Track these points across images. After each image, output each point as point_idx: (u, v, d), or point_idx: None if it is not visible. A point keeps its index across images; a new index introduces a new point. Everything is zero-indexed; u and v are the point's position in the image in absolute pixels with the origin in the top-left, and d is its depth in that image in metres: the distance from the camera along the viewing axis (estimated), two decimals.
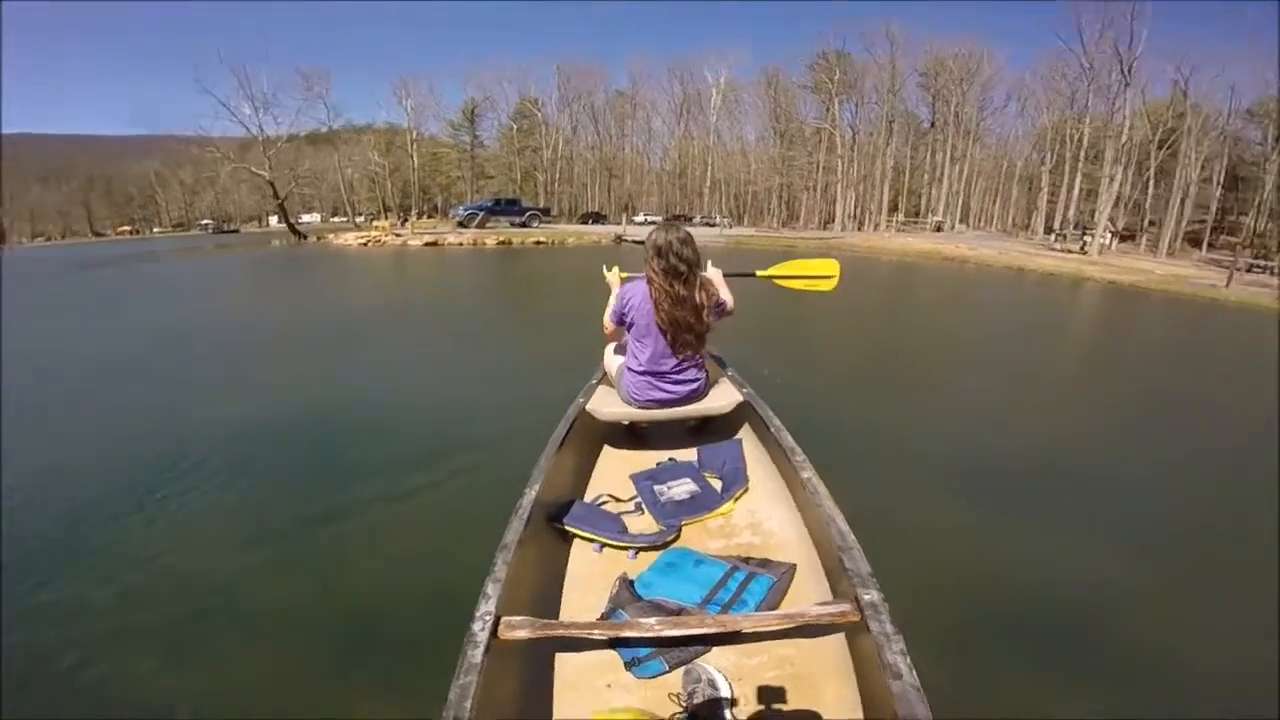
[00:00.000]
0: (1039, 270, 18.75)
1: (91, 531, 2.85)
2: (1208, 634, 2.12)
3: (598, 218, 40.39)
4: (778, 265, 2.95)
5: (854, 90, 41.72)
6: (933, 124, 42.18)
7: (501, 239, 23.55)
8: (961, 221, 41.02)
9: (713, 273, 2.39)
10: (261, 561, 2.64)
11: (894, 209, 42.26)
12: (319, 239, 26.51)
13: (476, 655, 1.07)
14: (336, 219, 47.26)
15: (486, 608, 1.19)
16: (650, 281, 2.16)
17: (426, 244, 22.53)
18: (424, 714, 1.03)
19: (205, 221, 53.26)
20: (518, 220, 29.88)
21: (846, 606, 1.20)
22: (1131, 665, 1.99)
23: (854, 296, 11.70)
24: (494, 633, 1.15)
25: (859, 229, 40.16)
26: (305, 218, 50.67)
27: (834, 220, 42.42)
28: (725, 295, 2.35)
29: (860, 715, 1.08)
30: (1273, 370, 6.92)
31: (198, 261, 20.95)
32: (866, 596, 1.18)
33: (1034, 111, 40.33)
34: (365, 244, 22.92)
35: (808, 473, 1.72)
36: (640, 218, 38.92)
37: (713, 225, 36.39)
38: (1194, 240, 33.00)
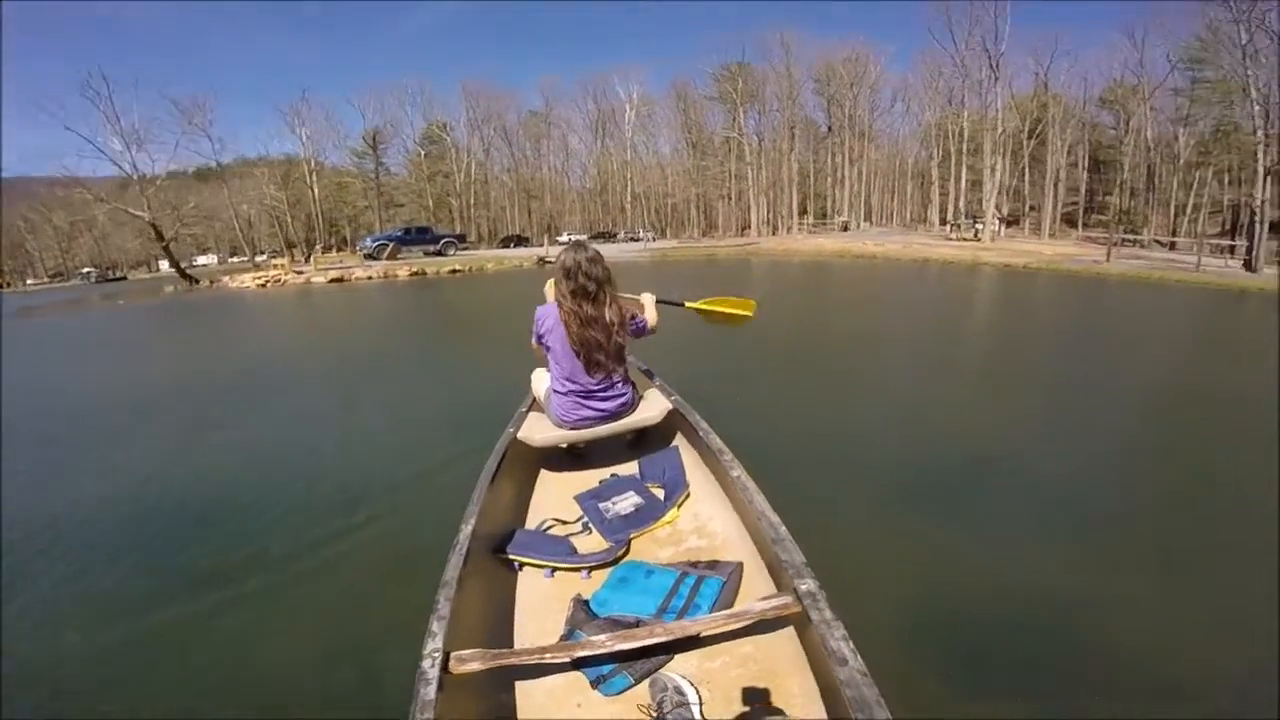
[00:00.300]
0: (940, 260, 20.13)
1: None
2: (1125, 613, 2.16)
3: (519, 240, 39.83)
4: (706, 300, 3.05)
5: (756, 99, 43.82)
6: (830, 128, 44.73)
7: (415, 270, 22.47)
8: (866, 219, 43.71)
9: (646, 299, 2.51)
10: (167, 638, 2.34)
11: (803, 212, 44.44)
12: (212, 282, 24.41)
13: (429, 692, 1.05)
14: (235, 259, 44.26)
15: (434, 645, 1.18)
16: (560, 304, 2.17)
17: (331, 280, 21.07)
18: None
19: (87, 269, 48.42)
20: (432, 249, 28.59)
21: (787, 599, 1.22)
22: (1065, 644, 1.99)
23: (775, 300, 11.86)
24: (445, 668, 1.13)
25: (773, 233, 41.90)
26: (200, 259, 47.46)
27: (749, 226, 43.97)
28: (648, 314, 2.44)
29: (820, 703, 1.10)
30: (1161, 334, 7.61)
31: (77, 315, 18.56)
32: (803, 586, 1.20)
33: (918, 110, 43.74)
34: (264, 285, 21.15)
35: (737, 471, 1.77)
36: (564, 237, 38.85)
37: (637, 240, 36.83)
38: (1070, 221, 36.40)
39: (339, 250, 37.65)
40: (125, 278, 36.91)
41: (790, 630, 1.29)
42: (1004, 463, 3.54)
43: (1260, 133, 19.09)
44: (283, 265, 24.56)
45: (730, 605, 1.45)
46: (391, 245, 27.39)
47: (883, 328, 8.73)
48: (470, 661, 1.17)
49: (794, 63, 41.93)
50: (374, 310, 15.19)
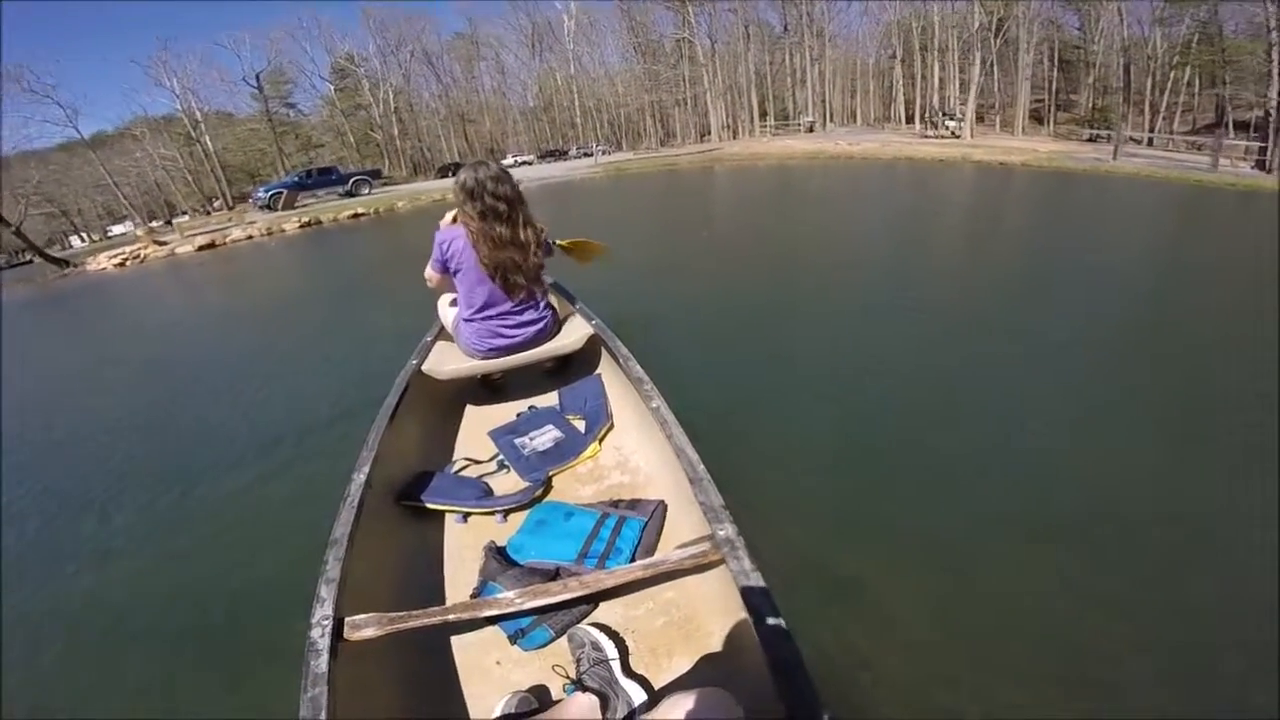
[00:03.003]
0: (928, 158, 18.23)
1: None
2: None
3: (457, 168, 36.04)
4: (569, 240, 2.61)
5: (705, 0, 40.52)
6: (786, 28, 42.49)
7: (306, 220, 18.91)
8: (830, 120, 42.11)
9: None
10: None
11: (764, 115, 42.39)
12: (73, 266, 20.45)
13: (321, 664, 0.96)
14: (155, 222, 40.13)
15: (323, 611, 1.07)
16: (467, 227, 1.95)
17: (200, 248, 17.67)
18: None
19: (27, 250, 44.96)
20: (342, 190, 25.22)
21: (705, 546, 1.12)
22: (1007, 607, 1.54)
23: (750, 209, 10.52)
24: (339, 636, 1.04)
25: (734, 137, 40.70)
26: (116, 229, 43.28)
27: (709, 132, 41.72)
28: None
29: (741, 652, 1.03)
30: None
31: None
32: (721, 532, 1.10)
33: (877, 10, 42.07)
34: (122, 263, 17.72)
35: (657, 402, 1.59)
36: (510, 159, 36.44)
37: (590, 155, 34.29)
38: (1037, 118, 35.98)
39: (232, 207, 33.31)
40: (30, 262, 32.08)
41: (711, 575, 1.18)
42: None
43: (1275, 33, 18.39)
44: (140, 237, 20.58)
45: (653, 548, 1.37)
46: (286, 193, 23.82)
47: (892, 239, 6.80)
48: (366, 628, 1.07)
49: None
50: (246, 280, 12.32)
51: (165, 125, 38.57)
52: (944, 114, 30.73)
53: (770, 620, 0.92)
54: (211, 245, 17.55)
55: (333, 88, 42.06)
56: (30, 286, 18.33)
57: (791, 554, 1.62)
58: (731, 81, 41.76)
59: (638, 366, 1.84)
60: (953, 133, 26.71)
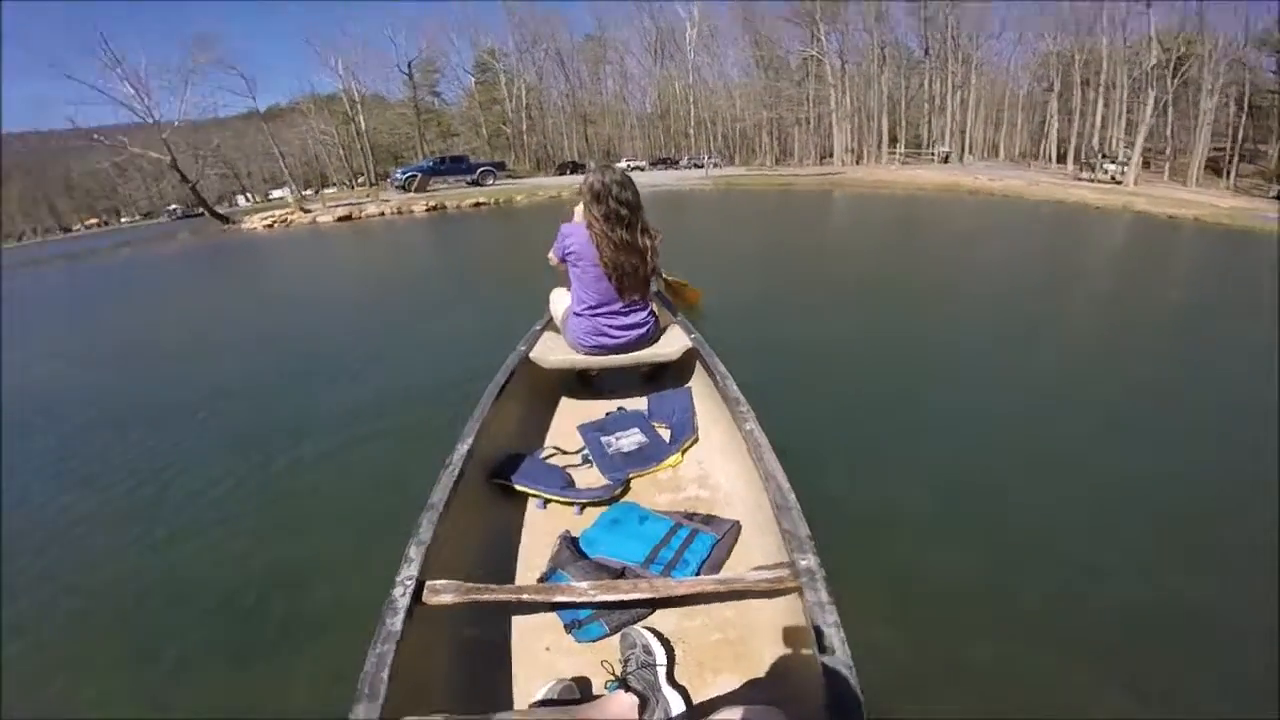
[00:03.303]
0: (1082, 203, 15.78)
1: None
2: None
3: (575, 167, 37.97)
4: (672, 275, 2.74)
5: (838, 20, 39.10)
6: (926, 51, 39.96)
7: (433, 204, 20.17)
8: (968, 152, 39.25)
9: None
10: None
11: (893, 141, 40.11)
12: (233, 223, 23.33)
13: (396, 623, 1.00)
14: (308, 191, 45.02)
15: (409, 572, 1.12)
16: (590, 227, 2.05)
17: (339, 219, 19.38)
18: (345, 686, 0.92)
19: (173, 206, 51.51)
20: (469, 179, 26.79)
21: (783, 573, 1.12)
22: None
23: (871, 241, 9.62)
24: (417, 598, 1.08)
25: (857, 163, 38.87)
26: (275, 193, 48.50)
27: (830, 155, 40.09)
28: None
29: (796, 681, 1.02)
30: None
31: (100, 261, 18.02)
32: (803, 562, 1.08)
33: (1032, 38, 38.31)
34: (270, 225, 20.01)
35: (751, 425, 1.57)
36: (623, 163, 37.17)
37: (700, 167, 34.10)
38: (1214, 169, 31.70)
39: (374, 185, 36.34)
40: (201, 215, 36.64)
41: (778, 602, 1.17)
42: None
43: None
44: (290, 204, 23.09)
45: (719, 565, 1.36)
46: (420, 177, 25.71)
47: (1031, 287, 5.88)
48: (444, 594, 1.12)
49: None
50: (375, 250, 13.53)
51: (327, 104, 42.60)
52: (1104, 156, 27.52)
53: (838, 657, 0.89)
54: (348, 218, 19.27)
55: (474, 80, 44.96)
56: (196, 237, 21.07)
57: (866, 598, 1.54)
58: (860, 104, 39.99)
59: (734, 386, 1.82)
60: (1113, 177, 23.94)
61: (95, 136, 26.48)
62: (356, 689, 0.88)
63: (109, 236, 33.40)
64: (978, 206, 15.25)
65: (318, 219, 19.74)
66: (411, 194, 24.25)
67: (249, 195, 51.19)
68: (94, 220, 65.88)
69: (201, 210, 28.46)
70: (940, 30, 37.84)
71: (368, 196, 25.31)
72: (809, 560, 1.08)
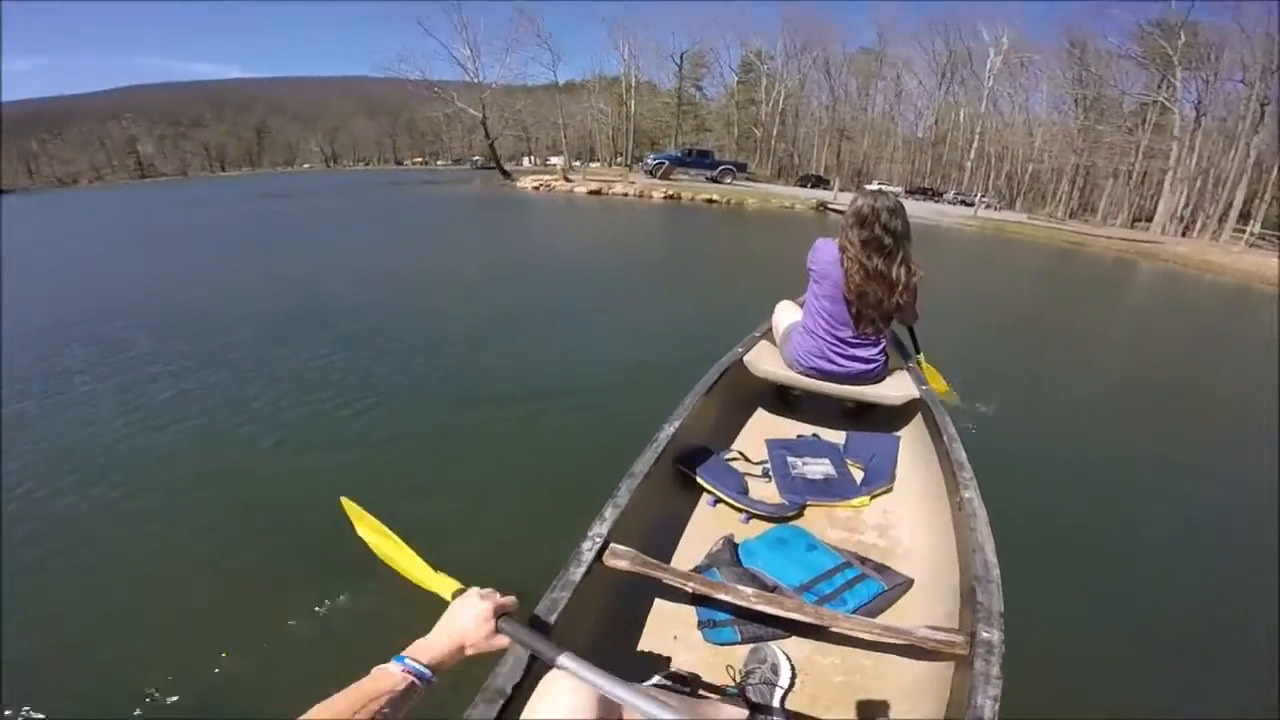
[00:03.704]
0: None
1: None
2: None
3: (819, 181, 36.44)
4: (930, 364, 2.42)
5: (1204, 65, 30.83)
6: None
7: (670, 193, 21.06)
8: None
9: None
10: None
11: (1244, 217, 30.39)
12: (512, 180, 27.41)
13: (577, 574, 1.07)
14: (577, 162, 50.55)
15: (599, 529, 1.19)
16: (844, 250, 2.00)
17: (590, 192, 21.23)
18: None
19: (476, 158, 61.85)
20: (710, 174, 27.44)
21: (960, 638, 1.09)
22: None
23: (1168, 332, 7.93)
24: (599, 556, 1.15)
25: (1183, 235, 30.32)
26: (553, 159, 55.09)
27: (1149, 219, 32.68)
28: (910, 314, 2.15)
29: None
30: None
31: (405, 193, 23.34)
32: (986, 634, 1.05)
33: None
34: (537, 188, 23.04)
35: (970, 493, 1.47)
36: (874, 185, 34.57)
37: (969, 205, 30.00)
38: None
39: (630, 166, 38.95)
40: (492, 168, 43.50)
41: (925, 665, 1.15)
42: None
43: None
44: (557, 172, 25.87)
45: (875, 614, 1.31)
46: (667, 165, 27.05)
47: None
48: (622, 559, 1.17)
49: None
50: (612, 226, 14.88)
51: (610, 85, 47.31)
52: None
53: None
54: (598, 193, 21.23)
55: (736, 79, 45.82)
56: (484, 186, 24.96)
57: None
58: (1209, 165, 31.91)
59: (961, 450, 1.70)
60: None
61: (435, 89, 32.64)
62: (526, 621, 0.93)
63: (425, 173, 41.66)
64: None
65: (574, 189, 22.04)
66: (656, 180, 25.63)
67: (532, 158, 58.62)
68: (420, 159, 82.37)
69: (494, 164, 33.56)
70: None
71: (618, 176, 27.53)
72: (993, 634, 1.03)
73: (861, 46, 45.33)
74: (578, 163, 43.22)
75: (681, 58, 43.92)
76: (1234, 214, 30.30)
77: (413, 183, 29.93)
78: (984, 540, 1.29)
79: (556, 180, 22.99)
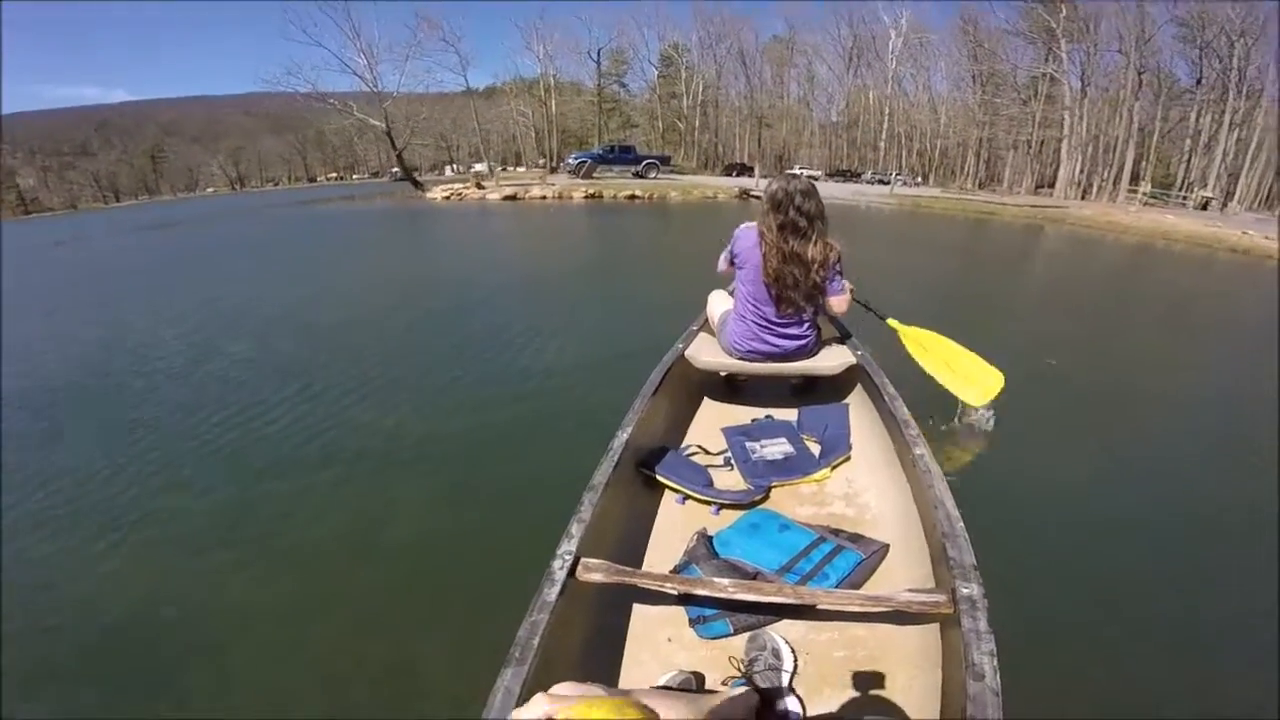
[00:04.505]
0: None
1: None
2: None
3: (743, 169, 36.92)
4: (929, 331, 2.54)
5: (1085, 37, 33.24)
6: (1199, 81, 32.28)
7: (591, 192, 20.47)
8: (1234, 201, 30.98)
9: (844, 286, 2.17)
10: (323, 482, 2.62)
11: (1135, 179, 33.46)
12: (424, 190, 26.02)
13: (552, 594, 1.06)
14: (500, 168, 48.98)
15: (568, 547, 1.18)
16: (762, 235, 2.04)
17: (505, 198, 20.31)
18: (493, 647, 1.00)
19: (394, 169, 59.47)
20: (635, 169, 26.97)
21: (941, 598, 1.09)
22: None
23: (1087, 293, 7.85)
24: (571, 573, 1.14)
25: (1083, 198, 32.78)
26: (477, 166, 54.96)
27: (1051, 185, 35.04)
28: (841, 300, 2.15)
29: (925, 708, 1.04)
30: None
31: (302, 212, 21.49)
32: (965, 590, 1.06)
33: None
34: (448, 198, 21.96)
35: (921, 449, 1.52)
36: (796, 170, 35.35)
37: (886, 183, 31.42)
38: None
39: (554, 169, 38.09)
40: (419, 180, 41.60)
41: (920, 628, 1.16)
42: None
43: None
44: (469, 180, 24.92)
45: (858, 585, 1.33)
46: (589, 163, 26.38)
47: None
48: (595, 572, 1.17)
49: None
50: (527, 232, 14.03)
51: (529, 87, 46.14)
52: None
53: (986, 684, 0.89)
54: (513, 198, 20.32)
55: (656, 73, 46.06)
56: (391, 199, 23.58)
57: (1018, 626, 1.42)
58: (1100, 131, 34.00)
59: (904, 408, 1.75)
60: None
61: (330, 101, 30.70)
62: (508, 653, 0.93)
63: (339, 189, 39.48)
64: (1242, 269, 11.33)
65: (487, 196, 21.05)
66: (577, 180, 24.99)
67: (455, 166, 56.65)
68: (334, 174, 78.38)
69: (405, 176, 31.97)
70: (1222, 59, 30.66)
71: (538, 179, 26.65)
72: (972, 589, 1.05)
73: (774, 35, 46.50)
74: (503, 169, 42.04)
75: (599, 55, 43.29)
76: (1126, 176, 32.66)
77: (318, 200, 28.11)
78: (943, 495, 1.30)
79: (468, 188, 21.88)
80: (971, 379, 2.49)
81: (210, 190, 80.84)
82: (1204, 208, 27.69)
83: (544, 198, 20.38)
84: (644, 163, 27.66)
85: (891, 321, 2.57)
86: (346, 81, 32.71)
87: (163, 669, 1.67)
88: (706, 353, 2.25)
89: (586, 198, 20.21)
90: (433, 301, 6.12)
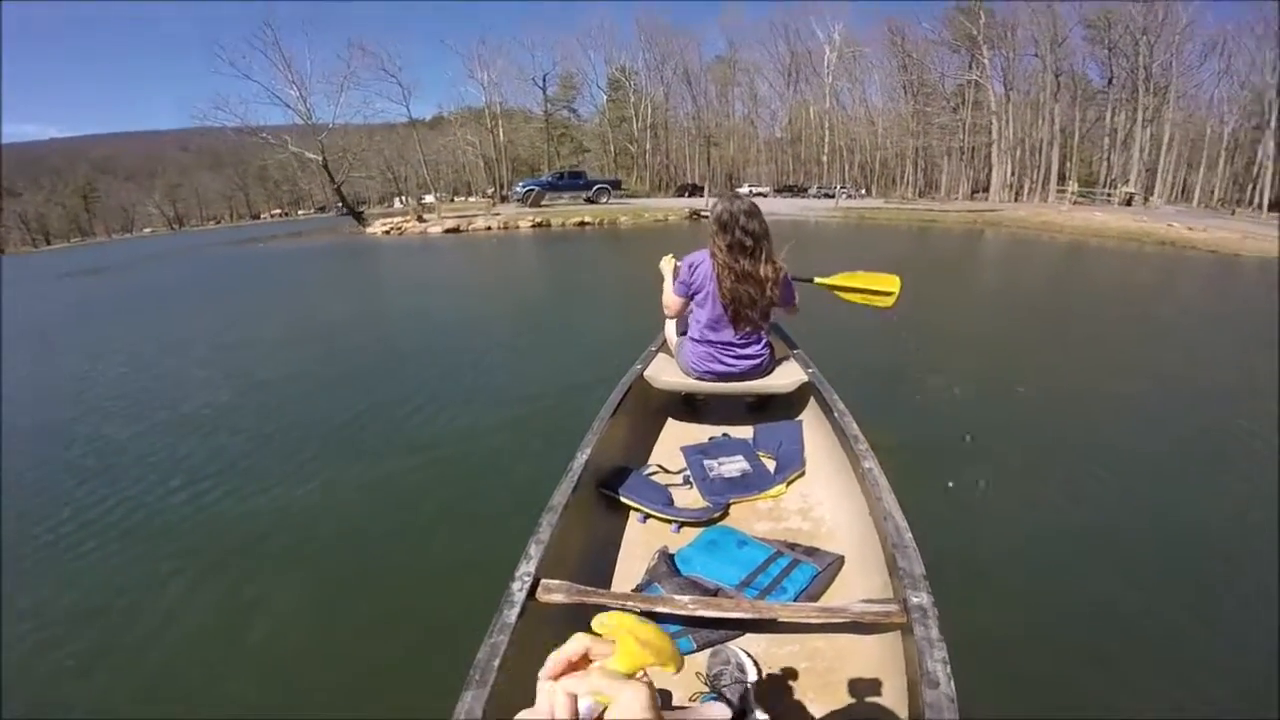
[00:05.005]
0: None
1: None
2: None
3: (694, 190, 37.40)
4: (842, 275, 2.68)
5: (1004, 43, 35.56)
6: (1110, 81, 34.82)
7: (538, 221, 20.28)
8: (1155, 195, 33.30)
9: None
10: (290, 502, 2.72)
11: (1062, 179, 35.33)
12: (365, 224, 25.39)
13: (511, 615, 1.06)
14: (458, 198, 48.05)
15: (526, 568, 1.18)
16: (713, 256, 2.11)
17: (447, 230, 19.95)
18: (451, 673, 0.99)
19: (340, 203, 58.26)
20: (584, 194, 26.81)
21: (893, 607, 1.12)
22: None
23: (1032, 291, 8.50)
24: (531, 594, 1.14)
25: (1016, 200, 34.23)
26: (428, 198, 54.18)
27: (985, 189, 36.88)
28: (793, 295, 2.31)
29: (885, 716, 1.06)
30: None
31: (235, 252, 20.82)
32: (915, 599, 1.09)
33: (1243, 69, 32.58)
34: (388, 232, 21.49)
35: (870, 463, 1.57)
36: (745, 189, 35.79)
37: (831, 196, 32.01)
38: None
39: (504, 198, 37.74)
40: (362, 213, 40.62)
41: (877, 638, 1.19)
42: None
43: None
44: (408, 213, 24.49)
45: (816, 597, 1.36)
46: (536, 191, 26.08)
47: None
48: (556, 593, 1.17)
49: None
50: (471, 266, 13.71)
51: (474, 116, 45.49)
52: None
53: (941, 690, 0.91)
54: (456, 230, 19.90)
55: (606, 98, 46.35)
56: (331, 235, 22.91)
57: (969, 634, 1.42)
58: (1025, 135, 35.65)
59: (853, 423, 1.80)
60: None
61: (263, 135, 29.81)
62: (468, 676, 0.92)
63: (284, 225, 38.17)
64: (1172, 261, 12.14)
65: (429, 229, 20.60)
66: (525, 208, 24.74)
67: (404, 198, 55.97)
68: (278, 210, 76.16)
69: (358, 210, 31.19)
70: (1129, 58, 32.94)
71: (482, 210, 26.31)
72: (922, 598, 1.07)
73: (716, 55, 47.81)
74: (450, 199, 41.45)
75: (545, 80, 43.31)
76: (1054, 177, 34.38)
77: (259, 238, 27.06)
78: (891, 508, 1.34)
79: (408, 221, 21.34)
80: (880, 292, 2.63)
81: (148, 230, 77.39)
82: (1128, 203, 29.39)
83: (489, 229, 20.01)
84: (595, 188, 27.46)
85: (817, 280, 2.66)
86: (280, 114, 31.77)
87: None
88: (665, 373, 2.30)
89: (534, 226, 19.94)
90: (363, 348, 5.74)
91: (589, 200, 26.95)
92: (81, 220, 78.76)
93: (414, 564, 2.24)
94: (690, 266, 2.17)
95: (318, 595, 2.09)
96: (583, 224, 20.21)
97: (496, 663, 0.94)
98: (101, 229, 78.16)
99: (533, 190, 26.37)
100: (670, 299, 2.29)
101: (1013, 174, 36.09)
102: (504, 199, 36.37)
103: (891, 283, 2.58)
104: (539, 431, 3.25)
